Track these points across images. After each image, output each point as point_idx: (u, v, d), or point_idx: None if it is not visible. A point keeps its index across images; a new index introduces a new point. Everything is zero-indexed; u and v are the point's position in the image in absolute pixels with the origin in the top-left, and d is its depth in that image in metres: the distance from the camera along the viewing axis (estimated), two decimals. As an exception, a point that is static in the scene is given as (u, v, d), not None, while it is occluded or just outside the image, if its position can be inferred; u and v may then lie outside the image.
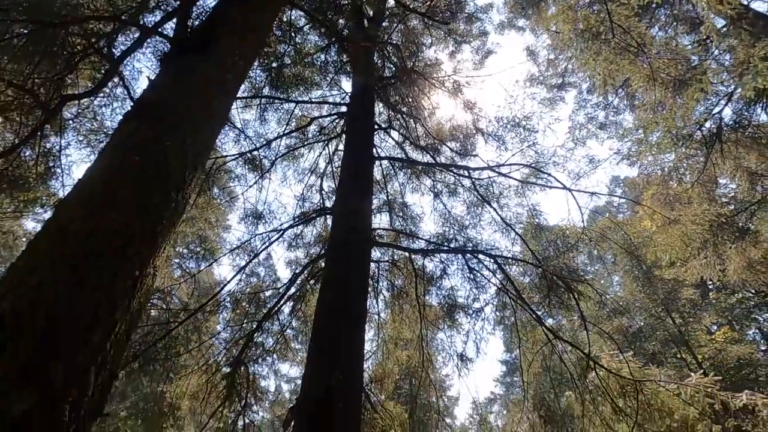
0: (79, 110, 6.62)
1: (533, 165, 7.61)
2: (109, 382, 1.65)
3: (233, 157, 8.27)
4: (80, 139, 7.17)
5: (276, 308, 7.33)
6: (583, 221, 7.14)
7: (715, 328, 17.16)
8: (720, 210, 8.67)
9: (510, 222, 7.92)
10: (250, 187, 8.84)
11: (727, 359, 14.30)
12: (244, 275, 8.20)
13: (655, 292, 16.77)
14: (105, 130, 6.06)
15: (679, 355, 16.71)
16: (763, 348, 16.79)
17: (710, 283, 18.29)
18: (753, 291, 16.26)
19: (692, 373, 5.41)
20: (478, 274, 6.75)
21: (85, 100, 7.09)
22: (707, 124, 8.65)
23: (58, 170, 5.33)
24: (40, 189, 6.37)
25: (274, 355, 9.10)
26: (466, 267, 6.85)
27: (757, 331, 17.81)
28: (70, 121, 6.79)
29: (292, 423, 5.01)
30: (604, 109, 11.95)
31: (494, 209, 7.73)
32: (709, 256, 8.79)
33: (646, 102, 8.40)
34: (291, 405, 5.45)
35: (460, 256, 6.85)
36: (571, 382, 6.37)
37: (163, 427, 6.47)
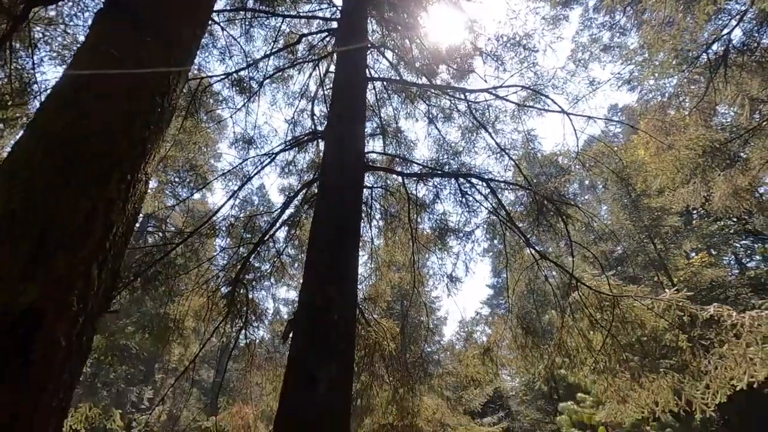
0: (49, 22, 6.15)
1: (532, 87, 7.37)
2: (112, 280, 1.71)
3: (219, 77, 7.88)
4: (53, 55, 6.74)
5: (271, 232, 7.47)
6: (577, 146, 7.10)
7: (694, 254, 17.93)
8: (714, 136, 8.63)
9: (504, 147, 7.86)
10: (239, 110, 8.54)
11: (701, 281, 15.14)
12: (237, 201, 8.23)
13: (641, 219, 17.26)
14: (79, 44, 5.66)
15: (656, 278, 17.63)
16: (735, 271, 17.74)
17: (694, 211, 18.79)
18: (735, 219, 16.79)
19: (667, 290, 5.76)
20: (471, 198, 6.83)
21: (54, 11, 6.56)
22: (714, 47, 8.31)
23: (35, 87, 5.07)
24: (17, 110, 6.11)
25: (272, 279, 9.48)
26: (458, 191, 6.91)
27: (732, 256, 18.68)
28: (42, 35, 6.34)
29: (291, 335, 5.35)
30: (610, 29, 11.32)
31: (489, 134, 7.61)
32: (697, 183, 8.91)
33: (655, 19, 7.96)
34: (289, 318, 5.78)
35: (453, 180, 6.88)
36: (554, 301, 6.78)
37: (170, 341, 6.88)
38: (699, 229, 17.50)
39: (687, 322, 5.56)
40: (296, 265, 10.20)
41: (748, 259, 19.05)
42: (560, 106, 6.76)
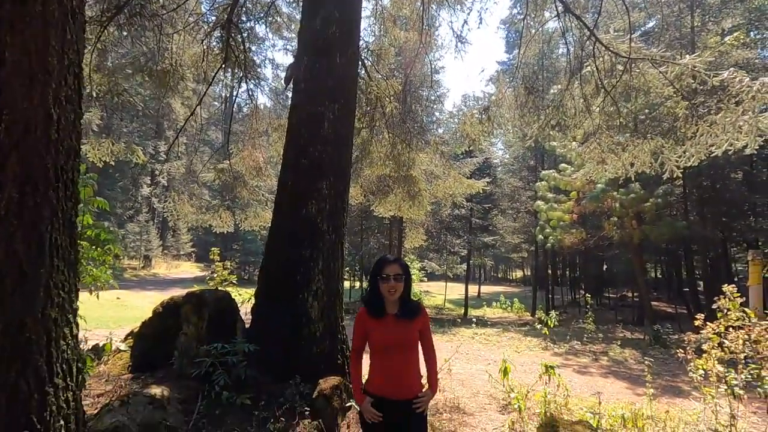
0: None
1: None
2: None
3: None
4: None
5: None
6: None
7: (729, 32, 16.27)
8: None
9: None
10: None
11: (724, 64, 14.28)
12: None
13: (689, -16, 14.90)
14: None
15: (680, 55, 16.51)
16: (765, 54, 16.53)
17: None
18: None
19: (687, 56, 5.44)
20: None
21: None
22: None
23: None
24: None
25: (267, 30, 8.75)
26: None
27: (768, 36, 16.97)
28: None
29: (292, 79, 5.31)
30: None
31: None
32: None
33: None
34: (289, 63, 5.63)
35: None
36: (564, 66, 6.46)
37: (172, 85, 6.86)
38: (747, 2, 15.35)
39: (694, 90, 5.48)
40: (292, 27, 9.28)
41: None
42: None
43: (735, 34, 15.61)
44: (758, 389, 4.11)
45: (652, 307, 15.75)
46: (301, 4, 5.86)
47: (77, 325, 1.63)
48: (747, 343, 4.18)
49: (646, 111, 6.23)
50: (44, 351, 1.41)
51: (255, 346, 3.90)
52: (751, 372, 4.18)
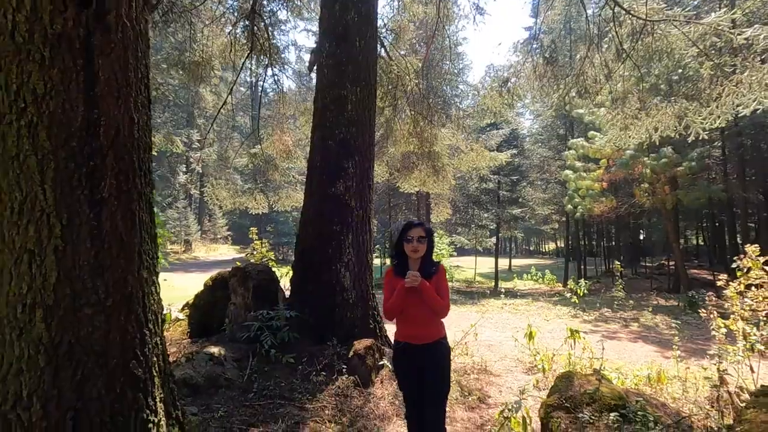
0: None
1: None
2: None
3: None
4: None
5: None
6: None
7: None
8: None
9: None
10: None
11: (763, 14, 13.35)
12: None
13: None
14: None
15: (719, 5, 15.50)
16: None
17: None
18: None
19: (713, 13, 5.30)
20: None
21: None
22: None
23: None
24: None
25: (288, 14, 8.98)
26: None
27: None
28: None
29: (315, 65, 5.59)
30: None
31: None
32: None
33: None
34: (312, 49, 5.90)
35: None
36: (584, 32, 6.37)
37: (202, 77, 7.29)
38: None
39: (719, 49, 5.36)
40: (312, 6, 9.44)
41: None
42: None
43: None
44: (778, 344, 4.21)
45: (687, 274, 15.42)
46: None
47: (158, 285, 2.05)
48: (767, 300, 4.26)
49: (670, 74, 6.12)
50: (141, 302, 1.82)
51: (295, 312, 4.35)
52: (771, 328, 4.27)
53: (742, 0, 14.16)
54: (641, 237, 28.94)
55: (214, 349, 3.81)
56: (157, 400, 1.90)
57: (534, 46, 6.01)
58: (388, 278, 2.56)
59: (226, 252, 34.79)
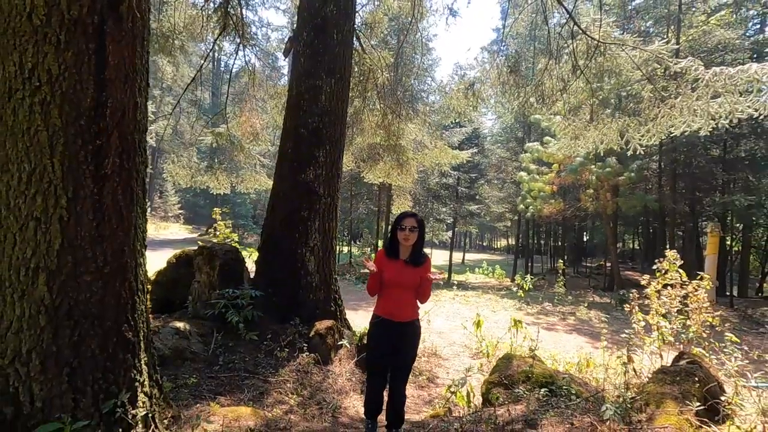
0: None
1: None
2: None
3: None
4: None
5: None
6: None
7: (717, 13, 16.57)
8: None
9: None
10: None
11: (707, 43, 14.69)
12: None
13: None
14: None
15: (667, 34, 16.84)
16: (750, 33, 16.94)
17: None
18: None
19: (656, 41, 5.92)
20: None
21: None
22: None
23: None
24: None
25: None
26: None
27: (755, 12, 17.30)
28: None
29: (291, 51, 5.67)
30: None
31: None
32: None
33: None
34: (289, 36, 5.95)
35: None
36: (544, 47, 6.86)
37: (170, 49, 7.11)
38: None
39: (658, 75, 6.01)
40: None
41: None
42: None
43: (721, 12, 15.98)
44: (682, 336, 4.92)
45: (620, 275, 16.86)
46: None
47: (146, 257, 2.20)
48: (678, 298, 4.93)
49: (619, 91, 6.75)
50: (133, 271, 1.97)
51: (260, 292, 4.52)
52: (679, 322, 4.96)
53: (686, 28, 15.53)
54: (585, 239, 31.01)
55: (179, 324, 3.92)
56: (143, 362, 2.07)
57: (500, 54, 6.42)
58: (379, 258, 2.82)
59: (177, 231, 33.55)
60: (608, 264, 21.15)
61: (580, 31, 6.09)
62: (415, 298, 2.80)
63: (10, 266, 1.68)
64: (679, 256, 5.03)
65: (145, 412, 1.98)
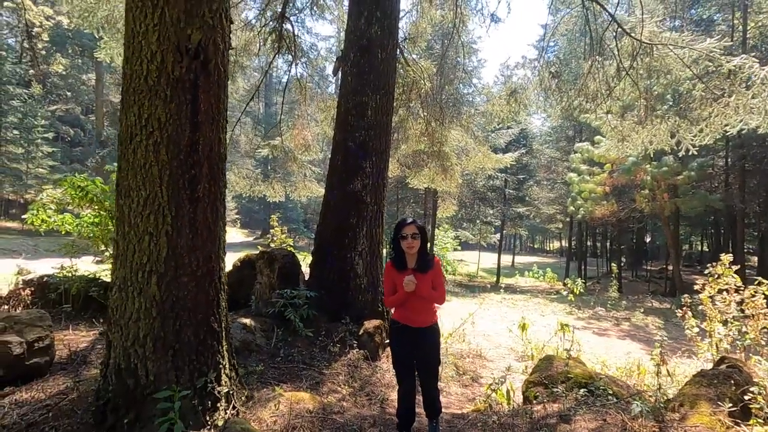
0: None
1: None
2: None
3: None
4: None
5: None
6: None
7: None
8: None
9: None
10: None
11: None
12: None
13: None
14: None
15: (732, 22, 15.74)
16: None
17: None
18: None
19: (708, 39, 5.74)
20: None
21: None
22: None
23: None
24: None
25: (313, 10, 9.48)
26: None
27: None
28: None
29: (340, 70, 6.13)
30: None
31: None
32: None
33: None
34: (337, 56, 6.41)
35: None
36: (588, 49, 6.82)
37: (232, 74, 7.85)
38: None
39: (710, 72, 5.81)
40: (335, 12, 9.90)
41: None
42: None
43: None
44: (738, 342, 4.76)
45: (682, 279, 15.88)
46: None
47: (225, 262, 2.67)
48: (734, 304, 4.78)
49: (669, 91, 6.58)
50: (218, 274, 2.44)
51: (314, 292, 4.97)
52: (735, 328, 4.80)
53: (755, 14, 14.42)
54: (647, 240, 29.26)
55: (246, 320, 4.45)
56: (224, 349, 2.52)
57: (539, 59, 6.50)
58: (388, 270, 2.81)
59: (235, 236, 35.62)
60: (670, 267, 19.92)
61: (625, 33, 6.05)
62: (432, 303, 2.80)
63: (131, 270, 2.18)
64: (732, 258, 4.89)
65: (227, 390, 2.43)
